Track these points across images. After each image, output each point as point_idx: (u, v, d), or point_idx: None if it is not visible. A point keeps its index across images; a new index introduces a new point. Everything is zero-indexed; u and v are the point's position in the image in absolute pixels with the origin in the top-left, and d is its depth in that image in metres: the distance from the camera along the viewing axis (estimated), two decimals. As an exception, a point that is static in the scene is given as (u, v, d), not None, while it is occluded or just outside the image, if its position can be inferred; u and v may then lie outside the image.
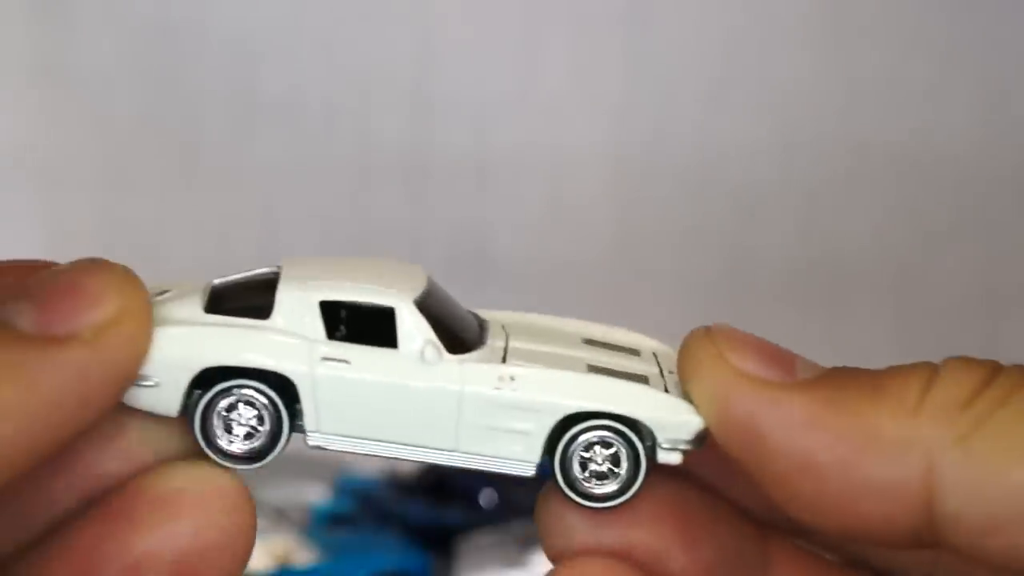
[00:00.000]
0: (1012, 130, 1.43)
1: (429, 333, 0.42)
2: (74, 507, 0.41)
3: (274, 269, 0.44)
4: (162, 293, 0.43)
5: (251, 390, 0.42)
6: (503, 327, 0.45)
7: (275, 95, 1.48)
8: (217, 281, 0.44)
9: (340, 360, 0.42)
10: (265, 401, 0.42)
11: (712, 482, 0.44)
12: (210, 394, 0.42)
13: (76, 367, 0.38)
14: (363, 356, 0.42)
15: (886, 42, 1.44)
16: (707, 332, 0.42)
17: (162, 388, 0.41)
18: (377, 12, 1.48)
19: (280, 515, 1.30)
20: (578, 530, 0.43)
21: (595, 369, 0.43)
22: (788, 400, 0.40)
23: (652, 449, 0.42)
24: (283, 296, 0.42)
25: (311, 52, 1.48)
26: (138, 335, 0.40)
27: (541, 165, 1.49)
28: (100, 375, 0.39)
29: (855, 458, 0.39)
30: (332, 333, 0.42)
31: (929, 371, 0.40)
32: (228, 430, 0.42)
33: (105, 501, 0.41)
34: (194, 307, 0.42)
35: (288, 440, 0.42)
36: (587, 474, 0.42)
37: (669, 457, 0.42)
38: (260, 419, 0.42)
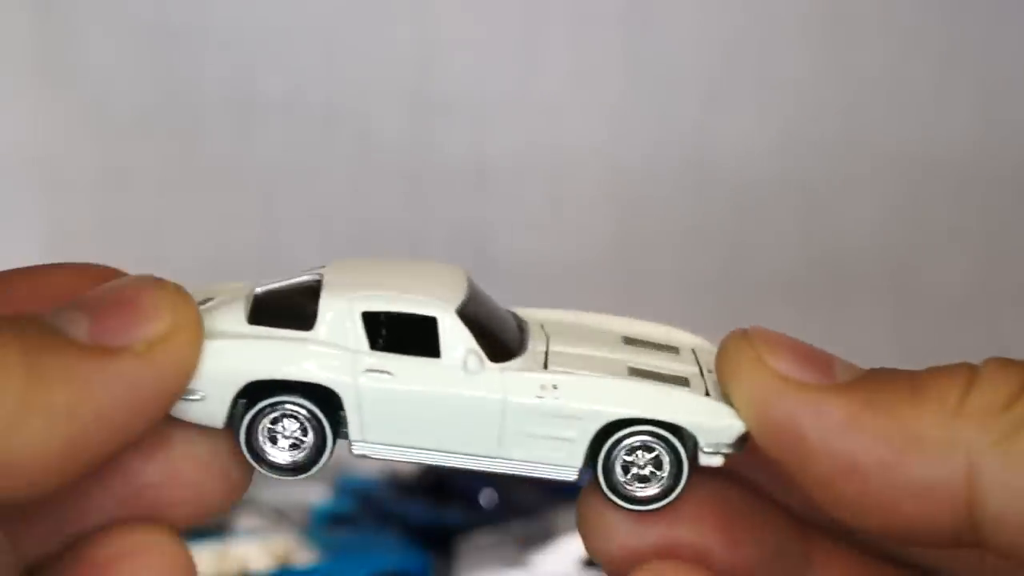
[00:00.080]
0: (1012, 130, 1.43)
1: (471, 342, 0.42)
2: (111, 518, 0.41)
3: (316, 276, 0.44)
4: (205, 301, 0.43)
5: (294, 405, 0.42)
6: (543, 327, 0.45)
7: (275, 95, 1.48)
8: (259, 289, 0.44)
9: (383, 372, 0.42)
10: (308, 415, 0.42)
11: (754, 480, 0.45)
12: (255, 409, 0.42)
13: (128, 379, 0.38)
14: (406, 366, 0.42)
15: (886, 42, 1.45)
16: (745, 335, 0.42)
17: (208, 401, 0.41)
18: (377, 12, 1.48)
19: (280, 515, 1.30)
20: (620, 530, 0.43)
21: (636, 372, 0.44)
22: (827, 402, 0.40)
23: (694, 452, 0.42)
24: (326, 307, 0.42)
25: (311, 52, 1.48)
26: (188, 351, 0.40)
27: (541, 165, 1.50)
28: (151, 388, 0.39)
29: (896, 459, 0.39)
30: (375, 342, 0.42)
31: (969, 372, 0.40)
32: (273, 441, 0.42)
33: (50, 568, 0.40)
34: (238, 318, 0.42)
35: (333, 451, 0.42)
36: (629, 477, 0.42)
37: (711, 460, 0.42)
38: (304, 431, 0.42)
